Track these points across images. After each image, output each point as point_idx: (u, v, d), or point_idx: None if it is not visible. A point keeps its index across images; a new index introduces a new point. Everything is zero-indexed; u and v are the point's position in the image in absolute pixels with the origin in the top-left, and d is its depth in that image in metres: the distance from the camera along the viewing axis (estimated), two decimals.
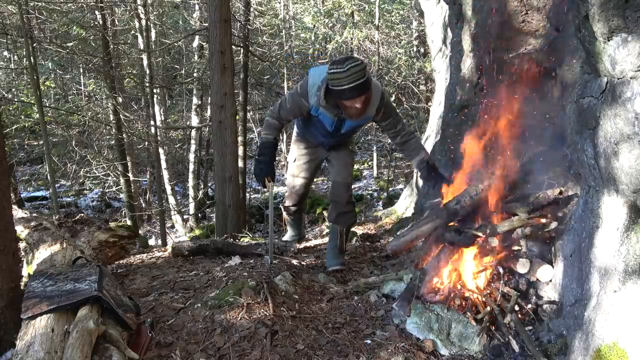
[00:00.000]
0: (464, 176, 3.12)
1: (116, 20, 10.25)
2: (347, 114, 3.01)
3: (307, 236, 5.05)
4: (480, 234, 2.67)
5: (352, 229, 5.03)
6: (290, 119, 3.30)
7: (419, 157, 3.24)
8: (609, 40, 1.74)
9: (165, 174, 10.60)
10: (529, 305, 2.53)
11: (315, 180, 4.64)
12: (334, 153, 3.58)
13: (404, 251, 3.14)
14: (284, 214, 4.22)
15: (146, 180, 11.71)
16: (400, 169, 12.17)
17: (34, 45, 7.50)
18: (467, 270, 2.78)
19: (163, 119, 11.26)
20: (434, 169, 3.25)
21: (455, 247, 2.78)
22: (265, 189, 3.28)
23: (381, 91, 3.07)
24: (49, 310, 2.01)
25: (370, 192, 11.12)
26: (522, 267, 2.55)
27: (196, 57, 11.39)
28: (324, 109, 3.07)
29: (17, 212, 3.51)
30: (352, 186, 3.76)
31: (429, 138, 6.06)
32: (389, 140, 12.97)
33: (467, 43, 3.70)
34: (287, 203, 4.03)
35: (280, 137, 3.72)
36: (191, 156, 11.30)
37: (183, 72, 12.55)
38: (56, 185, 9.30)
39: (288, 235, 4.41)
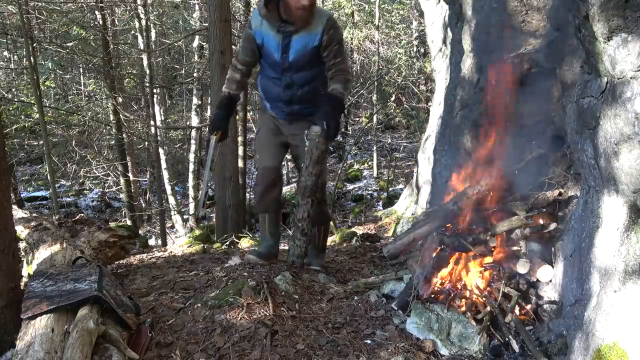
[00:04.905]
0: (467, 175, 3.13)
1: (116, 20, 10.26)
2: (292, 17, 2.87)
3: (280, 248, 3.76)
4: (473, 250, 2.63)
5: (352, 229, 5.02)
6: (246, 59, 3.18)
7: (330, 87, 3.05)
8: (609, 40, 1.74)
9: (165, 174, 10.59)
10: (529, 305, 2.53)
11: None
12: (294, 137, 3.27)
13: (401, 254, 3.14)
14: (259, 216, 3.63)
15: (146, 180, 11.71)
16: (400, 169, 12.16)
17: (34, 45, 7.50)
18: (467, 271, 2.78)
19: (163, 119, 11.25)
20: (329, 98, 3.03)
21: (454, 251, 2.78)
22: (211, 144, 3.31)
23: (331, 15, 2.99)
24: (49, 310, 2.01)
25: (370, 192, 11.12)
26: (522, 267, 2.55)
27: (196, 57, 11.38)
28: (267, 27, 2.96)
29: (17, 212, 3.51)
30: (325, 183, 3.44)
31: (429, 138, 6.05)
32: (389, 140, 12.99)
33: (467, 43, 3.70)
34: (256, 197, 3.58)
35: (240, 93, 3.41)
36: (191, 156, 11.29)
37: (183, 72, 12.55)
38: (56, 185, 9.29)
39: (259, 246, 3.68)
